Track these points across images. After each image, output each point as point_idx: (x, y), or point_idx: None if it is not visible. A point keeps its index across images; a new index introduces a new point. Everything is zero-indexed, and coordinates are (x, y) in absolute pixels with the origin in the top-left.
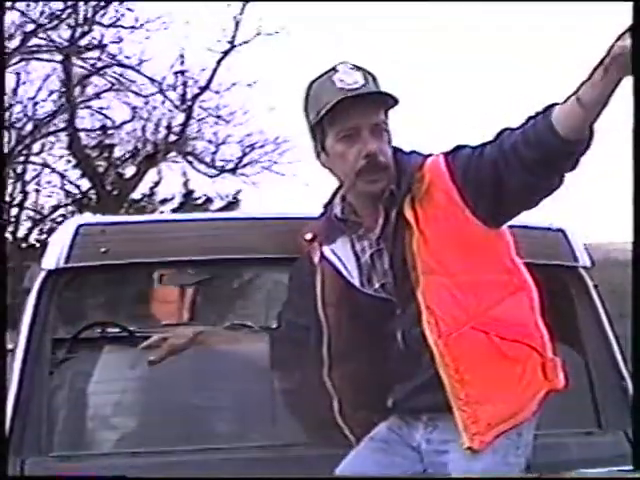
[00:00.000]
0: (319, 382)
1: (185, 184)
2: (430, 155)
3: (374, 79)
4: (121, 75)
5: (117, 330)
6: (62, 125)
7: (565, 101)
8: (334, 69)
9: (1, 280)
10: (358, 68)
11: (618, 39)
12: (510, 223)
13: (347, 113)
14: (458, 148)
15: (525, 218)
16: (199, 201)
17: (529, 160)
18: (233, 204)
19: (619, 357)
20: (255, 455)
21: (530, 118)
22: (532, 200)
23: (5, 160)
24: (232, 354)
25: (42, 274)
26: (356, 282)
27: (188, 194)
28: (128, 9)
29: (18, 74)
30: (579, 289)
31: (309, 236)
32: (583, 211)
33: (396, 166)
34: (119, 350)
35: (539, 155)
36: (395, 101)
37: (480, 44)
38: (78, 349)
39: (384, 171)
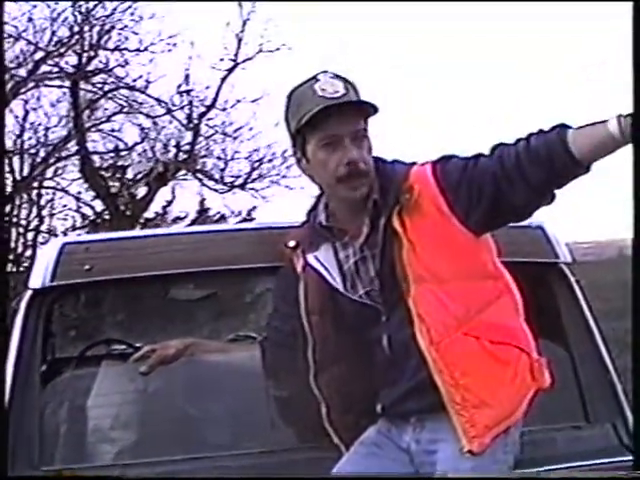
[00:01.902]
0: (307, 388)
1: (201, 202)
2: (413, 164)
3: (354, 88)
4: (129, 98)
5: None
6: (74, 149)
7: (587, 125)
8: (315, 78)
9: (1, 282)
10: (339, 77)
11: None
12: None
13: (328, 121)
14: (446, 158)
15: None
16: (213, 219)
17: (535, 179)
18: (247, 221)
19: (604, 350)
20: (250, 462)
21: (532, 135)
22: (528, 214)
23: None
24: (226, 364)
25: (28, 293)
26: (340, 288)
27: (202, 212)
28: (133, 32)
29: (26, 102)
30: (561, 285)
31: (292, 243)
32: (595, 208)
33: (378, 175)
34: (115, 365)
35: (546, 174)
36: (375, 110)
37: (483, 50)
38: (76, 365)
39: (365, 177)
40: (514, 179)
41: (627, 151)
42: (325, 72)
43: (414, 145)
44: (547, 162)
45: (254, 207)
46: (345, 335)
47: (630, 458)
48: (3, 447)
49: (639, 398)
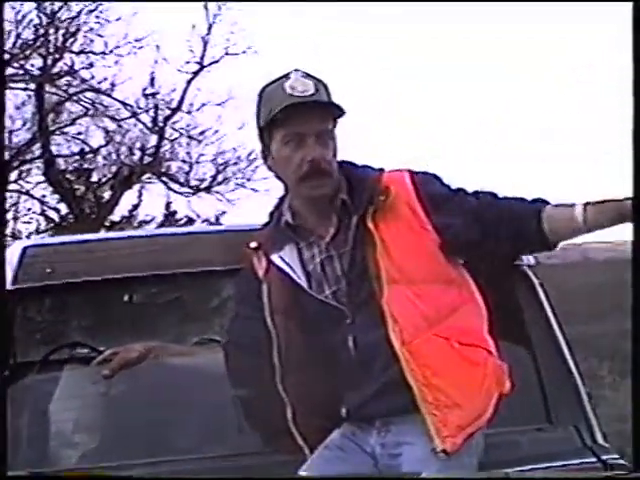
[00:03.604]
0: (271, 391)
1: (167, 206)
2: (382, 170)
3: (326, 88)
4: (94, 100)
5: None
6: (38, 152)
7: (560, 206)
8: (286, 76)
9: (1, 285)
10: (310, 76)
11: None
12: None
13: (293, 119)
14: (427, 173)
15: None
16: (179, 222)
17: (504, 242)
18: (214, 224)
19: (567, 353)
20: (213, 466)
21: (516, 201)
22: (491, 263)
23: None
24: (190, 367)
25: None
26: (305, 287)
27: (169, 215)
28: (98, 35)
29: None
30: (524, 287)
31: (254, 244)
32: None
33: (347, 177)
34: (78, 368)
35: (515, 241)
36: (341, 111)
37: (472, 51)
38: (39, 370)
39: (328, 177)
40: (489, 235)
41: (608, 152)
42: (297, 70)
43: (404, 147)
44: (518, 233)
45: (223, 212)
46: (310, 337)
47: (593, 460)
48: (2, 447)
49: (639, 398)
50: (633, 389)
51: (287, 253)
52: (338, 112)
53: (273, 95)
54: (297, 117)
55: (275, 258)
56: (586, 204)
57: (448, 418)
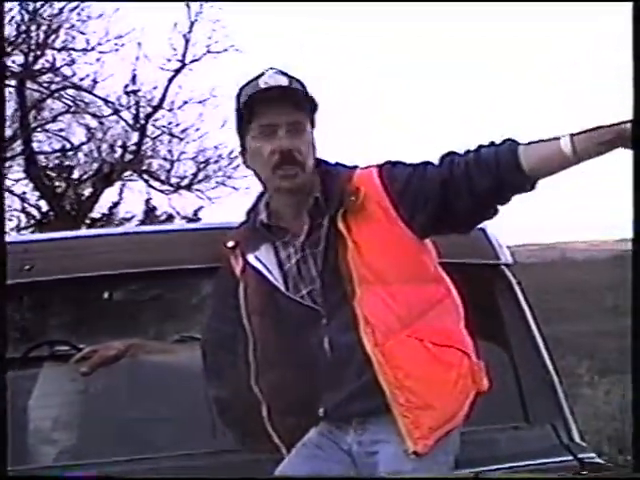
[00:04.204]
0: (248, 389)
1: (147, 202)
2: (355, 167)
3: (301, 84)
4: (75, 97)
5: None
6: (20, 149)
7: (539, 141)
8: (262, 74)
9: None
10: (285, 73)
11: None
12: None
13: (263, 110)
14: (392, 163)
15: None
16: (160, 219)
17: (480, 188)
18: (193, 221)
19: (544, 351)
20: (191, 463)
21: (483, 146)
22: (470, 224)
23: None
24: (169, 365)
25: None
26: (281, 288)
27: (149, 212)
28: (80, 32)
29: None
30: (502, 286)
31: (231, 243)
32: (537, 211)
33: (321, 174)
34: (57, 366)
35: (492, 184)
36: (311, 101)
37: (456, 50)
38: (18, 367)
39: (299, 167)
40: (461, 187)
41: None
42: (272, 68)
43: (388, 145)
44: (495, 172)
45: (200, 207)
46: (286, 337)
47: (569, 458)
48: (3, 447)
49: (639, 400)
50: (633, 389)
51: (263, 253)
52: (305, 100)
53: (246, 92)
54: (266, 108)
55: (251, 258)
56: (572, 134)
57: (420, 420)
